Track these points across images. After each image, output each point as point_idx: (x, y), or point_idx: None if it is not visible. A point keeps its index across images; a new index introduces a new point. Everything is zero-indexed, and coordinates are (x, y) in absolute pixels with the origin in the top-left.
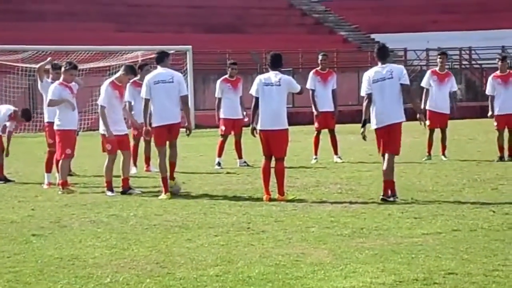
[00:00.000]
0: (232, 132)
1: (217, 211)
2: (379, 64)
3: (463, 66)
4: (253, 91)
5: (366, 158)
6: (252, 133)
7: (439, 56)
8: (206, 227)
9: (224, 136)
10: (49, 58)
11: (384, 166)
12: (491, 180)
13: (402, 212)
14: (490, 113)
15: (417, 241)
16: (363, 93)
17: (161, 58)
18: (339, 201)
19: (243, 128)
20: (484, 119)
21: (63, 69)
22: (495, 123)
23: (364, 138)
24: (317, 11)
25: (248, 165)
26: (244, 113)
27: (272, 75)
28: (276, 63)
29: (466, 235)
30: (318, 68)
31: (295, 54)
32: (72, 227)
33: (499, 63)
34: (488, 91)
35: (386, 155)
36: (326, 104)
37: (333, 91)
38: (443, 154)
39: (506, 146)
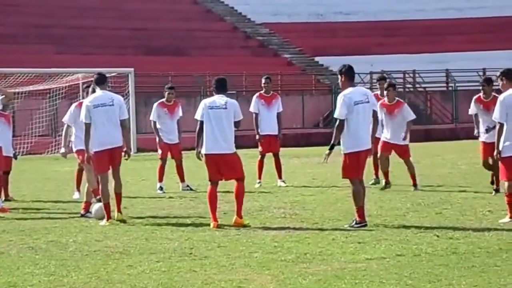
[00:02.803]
0: (171, 157)
1: (159, 236)
2: (348, 85)
3: (407, 89)
4: (198, 115)
5: (309, 182)
6: (198, 157)
7: (378, 83)
8: (148, 253)
9: (162, 160)
10: None
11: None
12: (435, 204)
13: (346, 237)
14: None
15: (360, 266)
16: (342, 116)
17: (102, 80)
18: (283, 226)
19: (183, 152)
20: (428, 143)
21: None
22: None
23: (325, 161)
24: (261, 33)
25: (191, 189)
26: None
27: (218, 99)
28: (221, 87)
29: (410, 260)
30: (262, 92)
31: (239, 77)
32: (9, 253)
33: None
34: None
35: (358, 181)
36: (270, 127)
37: (278, 114)
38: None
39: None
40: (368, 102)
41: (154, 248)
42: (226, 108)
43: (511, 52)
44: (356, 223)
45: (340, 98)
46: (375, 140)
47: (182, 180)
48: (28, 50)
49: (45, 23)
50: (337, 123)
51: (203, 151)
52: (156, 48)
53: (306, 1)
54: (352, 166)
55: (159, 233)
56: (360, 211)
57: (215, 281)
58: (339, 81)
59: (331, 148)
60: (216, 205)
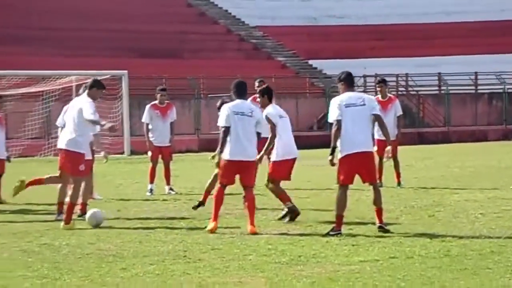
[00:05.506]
0: (161, 159)
1: (153, 239)
2: (347, 91)
3: (399, 93)
4: (221, 121)
5: (304, 184)
6: (218, 164)
7: (377, 85)
8: (141, 256)
9: (153, 162)
10: None
11: (373, 195)
12: (427, 207)
13: (340, 239)
14: None
15: (354, 269)
16: (332, 119)
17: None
18: (277, 228)
19: (177, 155)
20: (420, 146)
21: None
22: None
23: (333, 165)
24: (255, 36)
25: (176, 193)
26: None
27: (242, 104)
28: (243, 92)
29: (403, 263)
30: (255, 95)
31: (232, 80)
32: (2, 257)
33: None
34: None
35: (371, 185)
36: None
37: None
38: (398, 182)
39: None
40: (363, 105)
41: (147, 251)
42: (251, 116)
43: (501, 56)
44: (331, 230)
45: (331, 103)
46: (380, 143)
47: (168, 183)
48: (22, 52)
49: (39, 26)
50: (333, 126)
51: (226, 156)
52: (150, 51)
53: (299, 5)
54: (343, 170)
55: (153, 236)
56: (339, 219)
57: (209, 284)
58: (339, 88)
59: (332, 152)
60: (220, 207)
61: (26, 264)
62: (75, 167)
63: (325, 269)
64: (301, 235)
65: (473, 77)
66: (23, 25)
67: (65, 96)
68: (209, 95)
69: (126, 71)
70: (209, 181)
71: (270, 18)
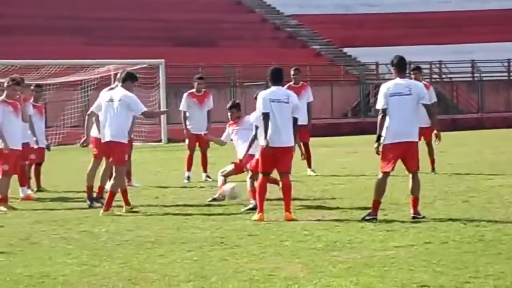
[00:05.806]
0: (199, 146)
1: (190, 226)
2: (398, 76)
3: (433, 80)
4: (260, 108)
5: (338, 171)
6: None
7: (412, 72)
8: (179, 243)
9: (190, 150)
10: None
11: (411, 184)
12: (462, 193)
13: (375, 225)
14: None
15: (389, 254)
16: (378, 106)
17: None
18: (313, 214)
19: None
20: (454, 132)
21: (5, 84)
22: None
23: (378, 153)
24: (289, 25)
25: (213, 180)
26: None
27: (278, 91)
28: (279, 78)
29: (438, 248)
30: (291, 83)
31: (268, 68)
32: (42, 244)
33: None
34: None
35: (410, 174)
36: (300, 117)
37: (308, 104)
38: (433, 168)
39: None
40: (409, 94)
41: (185, 238)
42: (288, 102)
43: None
44: (367, 215)
45: (380, 89)
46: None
47: (205, 170)
48: (60, 42)
49: (75, 15)
50: (379, 114)
51: (263, 143)
52: (186, 40)
53: None
54: (385, 158)
55: (191, 223)
56: (375, 204)
57: (246, 270)
58: (392, 72)
59: (378, 140)
60: (265, 197)
61: (66, 251)
62: (122, 157)
63: (360, 255)
64: (336, 220)
65: (506, 64)
66: (61, 15)
67: (104, 85)
68: (245, 84)
69: (163, 60)
70: (219, 175)
71: (305, 6)
